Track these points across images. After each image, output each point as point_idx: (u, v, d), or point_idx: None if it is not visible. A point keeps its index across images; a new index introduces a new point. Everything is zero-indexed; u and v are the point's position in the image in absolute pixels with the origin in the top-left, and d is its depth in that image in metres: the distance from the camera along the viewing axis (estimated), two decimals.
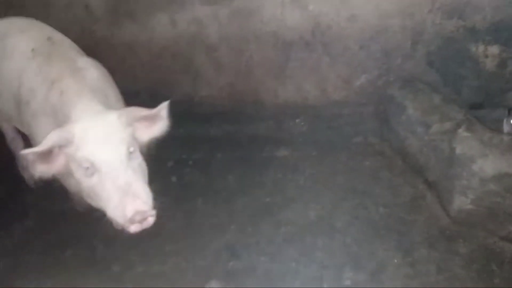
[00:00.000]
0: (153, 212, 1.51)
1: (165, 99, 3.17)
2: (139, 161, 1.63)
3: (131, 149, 1.59)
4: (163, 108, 1.65)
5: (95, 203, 1.60)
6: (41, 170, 1.55)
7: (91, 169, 1.52)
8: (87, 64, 1.96)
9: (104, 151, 1.52)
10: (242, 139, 3.07)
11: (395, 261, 2.10)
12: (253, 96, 3.15)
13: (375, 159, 2.75)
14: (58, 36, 2.18)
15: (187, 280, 2.03)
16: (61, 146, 1.54)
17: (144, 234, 2.20)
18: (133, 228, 1.48)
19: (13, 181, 2.72)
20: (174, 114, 3.16)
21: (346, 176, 2.64)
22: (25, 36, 2.13)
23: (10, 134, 2.63)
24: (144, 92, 3.13)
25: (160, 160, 2.85)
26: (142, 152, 1.70)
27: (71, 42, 2.22)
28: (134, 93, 3.01)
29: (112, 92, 1.98)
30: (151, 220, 1.51)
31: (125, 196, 1.46)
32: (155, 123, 1.68)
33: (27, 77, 1.91)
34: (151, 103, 3.08)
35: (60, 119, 1.68)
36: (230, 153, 2.96)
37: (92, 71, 1.93)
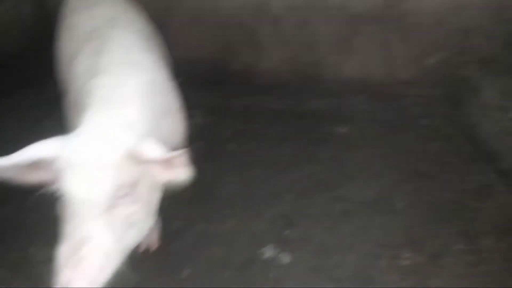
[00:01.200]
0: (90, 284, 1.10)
1: (226, 69, 3.24)
2: (129, 213, 1.20)
3: (122, 193, 1.17)
4: (180, 156, 1.18)
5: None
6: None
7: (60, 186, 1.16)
8: (143, 63, 1.61)
9: (79, 185, 1.13)
10: (301, 113, 3.03)
11: (457, 247, 2.00)
12: (315, 70, 3.09)
13: (441, 143, 2.61)
14: (125, 16, 1.91)
15: (244, 243, 2.04)
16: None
17: (203, 196, 2.25)
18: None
19: None
20: (234, 85, 3.23)
21: (409, 158, 2.54)
22: (90, 14, 1.91)
23: None
24: (207, 61, 3.16)
25: (218, 128, 2.89)
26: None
27: (140, 26, 1.90)
28: (197, 61, 3.07)
29: (158, 107, 1.50)
30: None
31: (71, 254, 1.09)
32: (175, 167, 1.23)
33: (77, 60, 1.68)
34: (213, 72, 3.13)
35: (76, 119, 1.41)
36: (289, 126, 2.93)
37: (146, 74, 1.54)
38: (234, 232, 2.09)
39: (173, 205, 2.26)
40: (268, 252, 2.00)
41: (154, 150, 1.19)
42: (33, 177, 1.22)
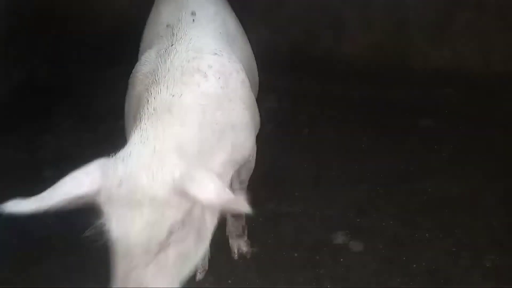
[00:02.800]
0: None
1: (306, 55, 3.20)
2: (182, 251, 1.09)
3: (174, 230, 1.03)
4: (242, 206, 1.01)
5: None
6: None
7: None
8: (205, 65, 1.39)
9: (128, 225, 0.99)
10: (381, 103, 2.90)
11: None
12: (401, 58, 2.94)
13: None
14: (205, 10, 1.67)
15: (314, 226, 2.04)
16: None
17: (275, 177, 2.25)
18: None
19: None
20: (313, 70, 3.19)
21: (500, 156, 2.35)
22: (172, 2, 1.73)
23: None
24: (286, 45, 3.13)
25: (293, 112, 2.87)
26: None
27: (219, 21, 1.68)
28: (276, 46, 3.04)
29: (205, 131, 1.26)
30: None
31: (124, 276, 1.00)
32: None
33: (145, 59, 1.49)
34: (291, 57, 3.09)
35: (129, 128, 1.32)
36: (367, 115, 2.83)
37: (195, 94, 1.31)
38: (304, 215, 2.10)
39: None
40: (340, 238, 1.98)
41: (206, 190, 1.00)
42: (78, 204, 1.05)
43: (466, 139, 2.50)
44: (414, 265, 1.83)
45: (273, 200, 2.23)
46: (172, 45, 1.44)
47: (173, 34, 1.49)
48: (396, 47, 2.90)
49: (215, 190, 1.01)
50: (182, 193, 1.00)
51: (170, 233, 1.02)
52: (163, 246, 1.02)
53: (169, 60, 1.37)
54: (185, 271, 1.13)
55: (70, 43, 3.65)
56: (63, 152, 2.84)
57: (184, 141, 1.14)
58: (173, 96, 1.24)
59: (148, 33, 1.72)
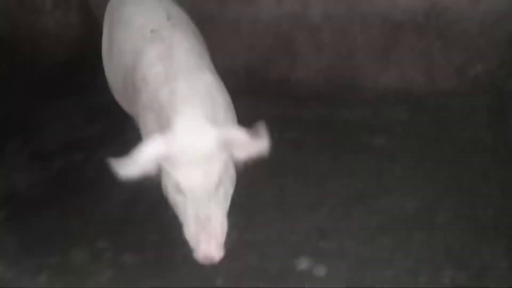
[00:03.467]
0: (222, 254, 1.48)
1: (262, 79, 3.26)
2: (226, 188, 1.51)
3: (221, 174, 1.43)
4: (263, 131, 1.42)
5: (176, 212, 1.56)
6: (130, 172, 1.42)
7: (178, 189, 1.43)
8: (203, 65, 1.78)
9: (193, 178, 1.39)
10: (336, 124, 2.99)
11: (502, 265, 1.91)
12: (352, 80, 3.05)
13: (485, 157, 2.51)
14: (176, 13, 2.01)
15: (278, 253, 2.04)
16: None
17: (237, 204, 2.26)
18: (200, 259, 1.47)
19: (125, 142, 2.93)
20: (269, 94, 3.24)
21: (450, 171, 2.45)
22: (143, 9, 2.00)
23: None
24: (243, 71, 3.19)
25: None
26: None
27: (188, 19, 2.07)
28: (233, 72, 3.08)
29: (222, 102, 1.75)
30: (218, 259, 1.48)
31: (201, 230, 1.42)
32: (256, 143, 1.44)
33: (143, 63, 1.75)
34: (248, 83, 3.15)
35: (163, 120, 1.56)
36: (324, 136, 2.90)
37: (208, 76, 1.73)
38: (268, 242, 2.09)
39: None
40: (303, 263, 1.99)
41: (241, 134, 1.42)
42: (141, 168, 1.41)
43: (417, 155, 2.61)
44: (377, 286, 1.86)
45: (236, 228, 2.21)
46: (170, 49, 1.72)
47: (162, 37, 1.78)
48: (347, 69, 3.01)
49: (243, 131, 1.42)
50: (223, 144, 1.40)
51: (219, 177, 1.42)
52: (216, 188, 1.41)
53: (174, 62, 1.67)
54: (228, 205, 1.56)
55: (20, 77, 3.53)
56: (14, 191, 2.71)
57: (210, 114, 1.53)
58: (191, 88, 1.58)
59: (125, 43, 1.92)
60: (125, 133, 3.02)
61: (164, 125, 1.50)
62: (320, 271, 1.96)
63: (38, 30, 3.64)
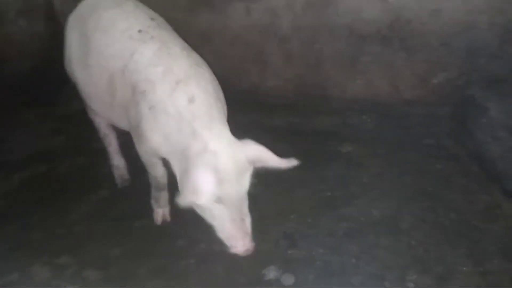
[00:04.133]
0: (253, 245, 1.76)
1: (233, 88, 3.26)
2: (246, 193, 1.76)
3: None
4: (290, 165, 1.77)
5: (207, 217, 1.76)
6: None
7: (218, 200, 1.64)
8: (199, 60, 1.91)
9: (232, 191, 1.63)
10: (306, 132, 3.04)
11: (464, 269, 1.96)
12: (320, 89, 3.10)
13: (447, 163, 2.59)
14: (156, 16, 2.06)
15: (247, 263, 2.02)
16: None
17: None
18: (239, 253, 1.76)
19: (91, 153, 2.90)
20: (241, 103, 3.25)
21: (414, 177, 2.52)
22: (123, 12, 2.01)
23: (102, 130, 2.53)
24: None
25: None
26: None
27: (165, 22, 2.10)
28: None
29: (222, 95, 1.94)
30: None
31: (237, 231, 1.71)
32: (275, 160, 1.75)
33: (141, 63, 1.80)
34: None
35: (185, 128, 1.67)
36: (293, 144, 2.90)
37: (208, 71, 1.89)
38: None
39: (177, 224, 2.29)
40: (272, 273, 1.98)
41: (270, 157, 1.72)
42: None
43: (384, 162, 2.67)
44: None
45: (204, 240, 2.19)
46: (167, 48, 1.82)
47: (152, 36, 1.86)
48: (315, 79, 3.06)
49: (268, 152, 1.74)
50: (252, 160, 1.67)
51: (248, 185, 1.71)
52: (246, 193, 1.73)
53: (179, 61, 1.79)
54: None
55: None
56: None
57: (224, 119, 1.80)
58: (204, 92, 1.74)
59: (108, 48, 1.94)
60: (91, 144, 2.98)
61: (187, 134, 1.66)
62: (288, 280, 1.95)
63: (2, 39, 3.54)
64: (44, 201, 2.54)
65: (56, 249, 2.16)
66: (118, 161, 2.60)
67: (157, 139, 1.80)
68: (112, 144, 2.57)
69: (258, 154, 1.68)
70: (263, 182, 2.55)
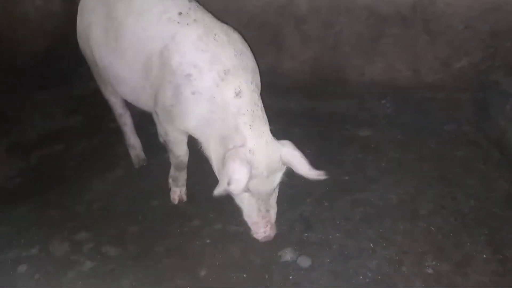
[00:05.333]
0: (275, 232, 1.90)
1: None
2: (277, 187, 1.87)
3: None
4: (319, 176, 1.82)
5: (238, 203, 1.89)
6: None
7: (248, 190, 1.75)
8: (242, 44, 1.92)
9: (262, 187, 1.76)
10: (322, 115, 3.00)
11: (484, 256, 1.93)
12: (337, 72, 3.04)
13: (468, 149, 2.54)
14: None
15: (262, 245, 2.02)
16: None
17: (222, 196, 2.27)
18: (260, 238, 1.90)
19: (107, 133, 2.91)
20: None
21: (434, 163, 2.47)
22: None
23: (118, 110, 2.52)
24: None
25: None
26: None
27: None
28: None
29: (258, 78, 2.02)
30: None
31: (262, 219, 1.84)
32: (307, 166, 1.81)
33: (185, 45, 1.79)
34: None
35: (229, 120, 1.74)
36: (309, 128, 2.90)
37: (249, 57, 1.92)
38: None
39: (193, 204, 2.30)
40: (288, 255, 1.98)
41: (303, 166, 1.79)
42: None
43: (402, 148, 2.63)
44: (360, 277, 1.86)
45: (220, 220, 2.20)
46: (210, 29, 1.83)
47: (194, 19, 1.84)
48: (332, 61, 2.99)
49: (300, 154, 1.81)
50: (285, 161, 1.77)
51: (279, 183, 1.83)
52: (275, 189, 1.87)
53: (225, 48, 1.80)
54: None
55: None
56: None
57: (268, 128, 1.83)
58: (250, 89, 1.81)
59: (145, 32, 1.91)
60: (107, 124, 2.98)
61: (230, 126, 1.73)
62: (305, 262, 1.95)
63: (18, 19, 3.53)
64: (60, 179, 2.57)
65: (74, 226, 2.18)
66: (134, 141, 2.60)
67: (193, 122, 1.84)
68: (128, 124, 2.56)
69: (291, 158, 1.76)
70: None
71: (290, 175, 2.47)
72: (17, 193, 2.49)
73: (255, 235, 1.88)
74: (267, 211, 1.85)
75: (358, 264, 1.92)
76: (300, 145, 2.68)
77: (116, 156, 2.70)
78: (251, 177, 1.67)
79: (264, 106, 2.95)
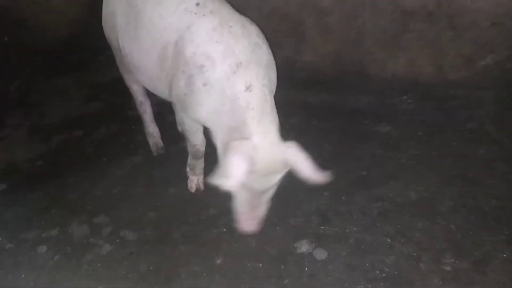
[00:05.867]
0: (258, 227, 1.89)
1: None
2: (275, 186, 1.85)
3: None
4: (323, 179, 1.75)
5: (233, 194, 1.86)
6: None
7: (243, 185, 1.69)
8: (258, 37, 1.89)
9: (257, 184, 1.74)
10: (341, 110, 2.97)
11: (504, 256, 1.90)
12: (359, 66, 3.01)
13: (490, 149, 2.49)
14: None
15: (278, 235, 2.03)
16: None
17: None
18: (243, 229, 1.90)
19: (126, 121, 2.93)
20: None
21: (454, 161, 2.43)
22: None
23: (139, 98, 2.52)
24: None
25: None
26: None
27: None
28: None
29: (274, 72, 2.01)
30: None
31: (250, 212, 1.84)
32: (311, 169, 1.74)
33: (199, 36, 1.79)
34: None
35: (238, 113, 1.71)
36: (328, 122, 2.87)
37: (265, 51, 1.89)
38: (269, 224, 2.07)
39: (210, 193, 2.30)
40: (304, 246, 1.98)
41: (307, 169, 1.71)
42: None
43: (422, 144, 2.58)
44: (377, 271, 1.85)
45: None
46: (226, 20, 1.80)
47: (211, 10, 1.82)
48: (354, 55, 2.96)
49: (305, 158, 1.73)
50: (288, 164, 1.71)
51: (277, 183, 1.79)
52: (271, 187, 1.83)
53: (238, 41, 1.76)
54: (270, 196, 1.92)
55: (22, 51, 3.48)
56: (14, 165, 2.69)
57: (277, 127, 1.80)
58: (262, 84, 1.77)
59: (163, 20, 1.91)
60: (126, 111, 3.01)
61: (238, 118, 1.70)
62: (320, 254, 1.94)
63: (42, 5, 3.58)
64: (80, 164, 2.60)
65: (93, 209, 2.22)
66: (153, 129, 2.62)
67: (204, 113, 1.84)
68: (148, 112, 2.58)
69: (295, 161, 1.70)
70: None
71: None
72: (38, 175, 2.54)
73: (238, 226, 1.88)
74: (258, 206, 1.83)
75: (375, 259, 1.90)
76: (319, 139, 2.73)
77: (135, 143, 2.72)
78: (248, 173, 1.63)
79: (283, 98, 2.93)
